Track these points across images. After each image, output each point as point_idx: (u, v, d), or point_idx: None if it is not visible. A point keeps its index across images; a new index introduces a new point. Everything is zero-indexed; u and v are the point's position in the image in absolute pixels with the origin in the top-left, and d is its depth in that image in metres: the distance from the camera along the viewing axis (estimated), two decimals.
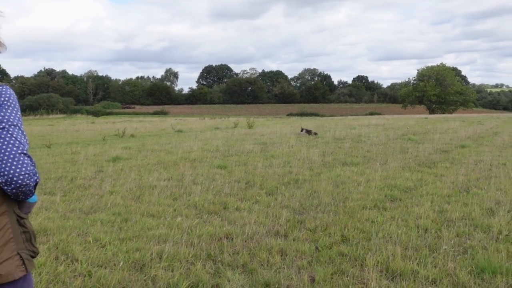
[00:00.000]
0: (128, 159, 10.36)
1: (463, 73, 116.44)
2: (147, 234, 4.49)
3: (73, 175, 8.03)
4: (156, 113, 78.61)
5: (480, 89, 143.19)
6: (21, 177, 1.56)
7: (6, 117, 1.59)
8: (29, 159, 1.60)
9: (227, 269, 3.67)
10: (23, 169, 1.56)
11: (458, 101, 79.76)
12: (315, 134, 16.50)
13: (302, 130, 17.09)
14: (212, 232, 4.53)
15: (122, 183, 7.25)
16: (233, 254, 4.00)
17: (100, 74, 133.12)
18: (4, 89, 1.64)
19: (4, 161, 1.55)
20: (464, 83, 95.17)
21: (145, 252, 3.96)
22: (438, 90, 78.45)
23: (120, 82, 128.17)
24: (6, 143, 1.56)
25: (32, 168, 1.60)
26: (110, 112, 77.84)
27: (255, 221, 4.95)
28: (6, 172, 1.54)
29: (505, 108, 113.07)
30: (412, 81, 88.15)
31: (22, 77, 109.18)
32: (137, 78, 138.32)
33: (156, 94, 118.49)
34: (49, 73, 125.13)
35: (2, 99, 1.62)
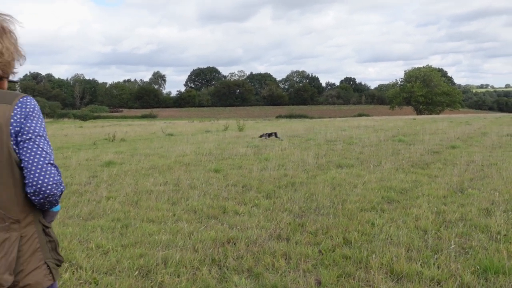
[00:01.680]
0: (121, 163, 10.30)
1: (449, 74, 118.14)
2: (149, 240, 4.47)
3: (67, 181, 7.95)
4: (144, 117, 78.29)
5: (465, 90, 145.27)
6: (49, 187, 1.57)
7: (32, 127, 1.61)
8: (55, 169, 1.62)
9: (232, 273, 3.67)
10: (51, 179, 1.58)
11: (444, 101, 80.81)
12: (277, 136, 16.45)
13: (262, 136, 16.84)
14: (215, 237, 4.54)
15: (118, 188, 7.21)
16: (237, 258, 4.01)
17: (87, 78, 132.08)
18: (28, 100, 1.65)
19: (33, 172, 1.56)
20: (450, 84, 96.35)
21: (149, 258, 3.94)
22: (425, 91, 79.40)
23: (108, 86, 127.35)
24: (33, 153, 1.57)
25: (58, 178, 1.62)
26: (97, 116, 77.29)
27: (256, 225, 4.96)
28: (34, 183, 1.56)
29: (491, 108, 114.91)
30: (399, 82, 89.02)
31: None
32: (125, 81, 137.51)
33: (144, 98, 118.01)
34: (35, 77, 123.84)
35: (28, 109, 1.63)
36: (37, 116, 1.64)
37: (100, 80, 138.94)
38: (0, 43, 1.63)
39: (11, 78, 1.76)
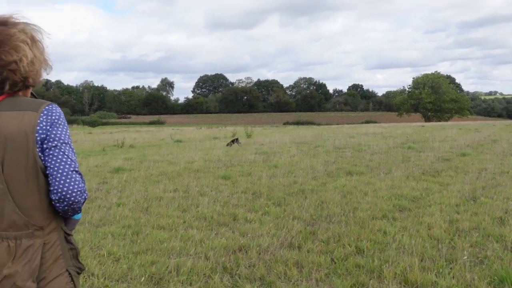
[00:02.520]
0: (130, 170, 10.32)
1: (457, 81, 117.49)
2: (160, 247, 4.46)
3: None
4: (152, 123, 78.69)
5: (474, 97, 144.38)
6: (73, 194, 1.58)
7: (58, 135, 1.62)
8: (80, 176, 1.62)
9: (245, 282, 3.65)
10: (76, 186, 1.58)
11: (453, 108, 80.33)
12: (238, 142, 17.16)
13: (230, 144, 17.19)
14: (226, 245, 4.52)
15: (128, 195, 7.22)
16: (249, 267, 3.98)
17: (96, 84, 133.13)
18: (54, 108, 1.67)
19: (58, 179, 1.57)
20: (458, 91, 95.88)
21: (161, 265, 3.93)
22: (433, 98, 79.01)
23: (116, 92, 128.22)
24: (59, 161, 1.58)
25: (83, 185, 1.62)
26: (106, 122, 77.89)
27: (267, 233, 4.93)
28: (59, 190, 1.56)
29: (500, 115, 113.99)
30: (407, 89, 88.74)
31: None
32: (133, 88, 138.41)
33: (152, 104, 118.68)
34: (44, 83, 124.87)
35: (54, 117, 1.64)
36: (62, 123, 1.66)
37: (109, 87, 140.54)
38: (31, 53, 1.65)
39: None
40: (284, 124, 73.73)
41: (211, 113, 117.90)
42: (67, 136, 1.65)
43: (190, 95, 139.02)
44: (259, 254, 4.28)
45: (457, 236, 4.75)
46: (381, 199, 6.63)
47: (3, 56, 1.58)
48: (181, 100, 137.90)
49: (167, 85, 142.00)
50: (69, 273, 1.67)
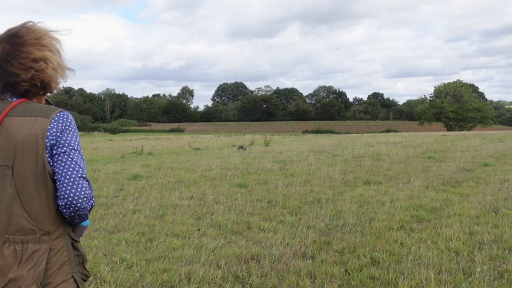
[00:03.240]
0: (148, 177, 10.40)
1: (480, 90, 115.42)
2: (173, 255, 4.45)
3: (95, 193, 8.06)
4: (172, 131, 79.40)
5: (498, 106, 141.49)
6: (80, 200, 1.58)
7: (68, 141, 1.63)
8: (87, 182, 1.63)
9: None
10: (82, 192, 1.59)
11: (476, 117, 78.76)
12: (244, 149, 18.93)
13: (239, 149, 19.01)
14: (239, 253, 4.48)
15: (144, 202, 7.25)
16: (261, 276, 3.93)
17: (118, 92, 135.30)
18: (65, 115, 1.69)
19: (65, 185, 1.58)
20: (481, 100, 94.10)
21: (173, 273, 3.91)
22: (456, 107, 77.67)
23: (137, 100, 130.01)
24: (67, 167, 1.60)
25: (90, 192, 1.63)
26: (127, 129, 78.92)
27: (281, 242, 4.88)
28: (66, 195, 1.57)
29: None
30: (428, 98, 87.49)
31: None
32: (153, 96, 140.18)
33: (172, 112, 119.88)
34: (67, 91, 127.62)
35: (65, 124, 1.66)
36: (73, 130, 1.67)
37: (130, 95, 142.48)
38: (55, 58, 1.71)
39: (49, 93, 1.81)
40: (303, 132, 73.49)
41: (230, 121, 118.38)
42: (76, 143, 1.66)
43: (210, 103, 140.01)
44: (272, 263, 4.23)
45: (477, 248, 4.61)
46: (398, 209, 6.50)
47: (32, 54, 1.62)
48: (201, 108, 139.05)
49: (187, 93, 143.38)
50: (75, 280, 1.67)
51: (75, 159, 1.62)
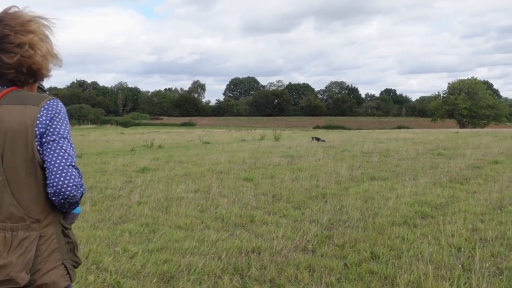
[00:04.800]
0: (156, 170, 10.49)
1: (495, 87, 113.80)
2: (175, 246, 4.50)
3: (102, 185, 8.17)
4: (183, 125, 79.65)
5: None
6: (69, 188, 1.59)
7: (57, 129, 1.64)
8: (76, 171, 1.64)
9: (254, 284, 3.64)
10: (71, 180, 1.60)
11: (490, 115, 77.67)
12: (323, 141, 20.05)
13: (313, 139, 20.65)
14: (240, 246, 4.52)
15: (150, 194, 7.33)
16: (260, 268, 3.97)
17: (130, 86, 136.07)
18: (55, 103, 1.69)
19: (54, 172, 1.59)
20: (496, 97, 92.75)
21: (173, 264, 3.97)
22: (469, 104, 76.67)
23: (149, 94, 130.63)
24: (56, 155, 1.60)
25: (79, 180, 1.63)
26: (138, 123, 79.37)
27: (282, 236, 4.91)
28: (55, 183, 1.58)
29: None
30: (442, 95, 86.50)
31: (55, 88, 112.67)
32: (165, 90, 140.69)
33: (184, 106, 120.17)
34: (81, 84, 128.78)
35: (54, 112, 1.66)
36: (62, 118, 1.67)
37: (144, 89, 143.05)
38: (44, 45, 1.69)
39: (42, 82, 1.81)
40: (314, 128, 73.19)
41: (241, 115, 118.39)
42: (66, 131, 1.66)
43: (222, 98, 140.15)
44: (272, 256, 4.27)
45: (479, 245, 4.59)
46: (403, 205, 6.48)
47: (16, 39, 1.61)
48: (213, 102, 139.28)
49: (198, 87, 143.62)
50: (65, 266, 1.69)
51: (64, 147, 1.62)
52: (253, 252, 4.39)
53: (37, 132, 1.61)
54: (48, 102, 1.66)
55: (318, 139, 20.62)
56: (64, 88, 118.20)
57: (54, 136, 1.62)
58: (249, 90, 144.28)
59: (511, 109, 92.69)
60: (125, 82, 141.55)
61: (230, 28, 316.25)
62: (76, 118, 73.26)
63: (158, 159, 12.84)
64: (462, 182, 8.62)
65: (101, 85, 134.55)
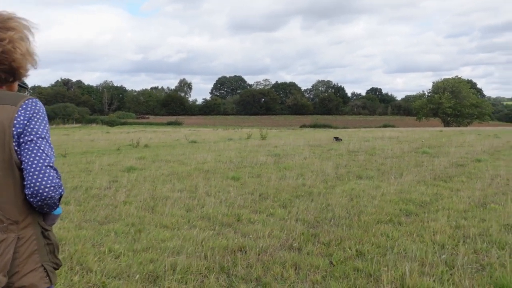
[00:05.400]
0: (142, 169, 10.43)
1: (479, 86, 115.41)
2: (161, 246, 4.49)
3: (88, 185, 8.10)
4: (170, 124, 79.19)
5: (496, 102, 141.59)
6: (46, 189, 1.56)
7: (35, 129, 1.61)
8: (55, 171, 1.61)
9: (240, 282, 3.64)
10: (49, 181, 1.57)
11: (474, 114, 78.81)
12: (340, 139, 20.06)
13: (335, 139, 20.15)
14: (226, 245, 4.52)
15: (136, 194, 7.29)
16: (246, 267, 3.98)
17: (116, 85, 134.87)
18: (33, 102, 1.66)
19: (31, 173, 1.56)
20: (479, 96, 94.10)
21: (159, 264, 3.95)
22: (453, 103, 77.68)
23: (135, 93, 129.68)
24: (33, 155, 1.57)
25: (57, 181, 1.60)
26: (124, 122, 78.69)
27: (268, 234, 4.92)
28: (32, 184, 1.55)
29: None
30: (426, 94, 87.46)
31: (39, 87, 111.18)
32: (152, 88, 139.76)
33: (170, 105, 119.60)
34: (65, 83, 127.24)
35: (32, 111, 1.63)
36: (41, 118, 1.64)
37: (130, 87, 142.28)
38: (23, 44, 1.67)
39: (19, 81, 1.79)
40: (301, 127, 73.45)
41: (228, 114, 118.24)
42: (45, 131, 1.63)
43: (208, 97, 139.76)
44: (258, 255, 4.27)
45: (462, 242, 4.66)
46: (388, 203, 6.55)
47: None
48: (199, 101, 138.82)
49: (185, 86, 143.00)
50: (45, 268, 1.66)
51: (42, 148, 1.59)
52: (240, 250, 4.40)
53: (15, 132, 1.58)
54: (26, 101, 1.63)
55: (337, 139, 20.45)
56: (49, 86, 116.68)
57: (32, 136, 1.59)
58: (236, 89, 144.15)
59: (494, 107, 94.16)
60: (111, 81, 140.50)
61: (217, 27, 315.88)
62: (61, 117, 72.30)
63: (144, 159, 12.76)
64: (446, 180, 8.74)
65: (86, 83, 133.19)
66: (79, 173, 9.85)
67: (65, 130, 46.56)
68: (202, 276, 3.77)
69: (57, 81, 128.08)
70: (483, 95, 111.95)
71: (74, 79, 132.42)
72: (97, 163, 11.50)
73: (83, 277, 3.67)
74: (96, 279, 3.63)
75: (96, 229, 5.14)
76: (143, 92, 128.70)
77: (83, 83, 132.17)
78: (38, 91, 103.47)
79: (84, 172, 9.96)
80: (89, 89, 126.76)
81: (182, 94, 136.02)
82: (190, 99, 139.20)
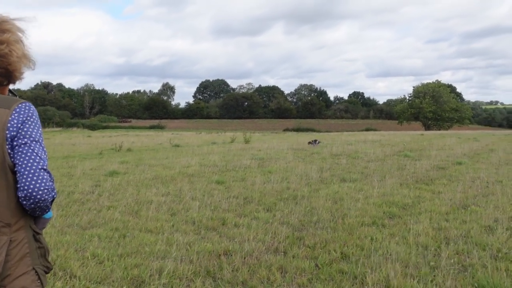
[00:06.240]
0: (125, 173, 10.33)
1: (458, 90, 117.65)
2: (145, 250, 4.45)
3: (70, 190, 7.98)
4: (152, 127, 78.65)
5: (475, 106, 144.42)
6: (40, 192, 1.57)
7: (29, 133, 1.62)
8: (48, 174, 1.62)
9: (226, 286, 3.64)
10: (43, 184, 1.58)
11: (454, 117, 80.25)
12: (319, 142, 19.61)
13: (311, 142, 19.48)
14: (211, 249, 4.51)
15: (119, 198, 7.21)
16: (232, 271, 3.97)
17: (97, 88, 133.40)
18: (27, 106, 1.68)
19: (25, 176, 1.56)
20: (459, 100, 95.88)
21: (144, 268, 3.92)
22: (434, 107, 78.98)
23: (117, 96, 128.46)
24: (27, 158, 1.58)
25: (51, 184, 1.61)
26: (106, 126, 77.83)
27: (254, 238, 4.93)
28: (26, 187, 1.56)
29: (500, 125, 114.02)
30: (407, 98, 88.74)
31: (18, 90, 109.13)
32: (134, 92, 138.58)
33: (153, 108, 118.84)
34: (46, 86, 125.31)
35: (26, 115, 1.65)
36: (34, 121, 1.66)
37: (112, 91, 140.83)
38: (18, 46, 1.68)
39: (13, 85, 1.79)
40: (284, 130, 73.75)
41: (211, 118, 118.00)
42: (38, 134, 1.65)
43: (192, 100, 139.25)
44: (244, 258, 4.28)
45: (444, 243, 4.74)
46: (372, 206, 6.62)
47: None
48: (182, 105, 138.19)
49: (168, 89, 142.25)
50: (36, 272, 1.67)
51: (35, 151, 1.60)
52: (225, 254, 4.39)
53: (8, 136, 1.59)
54: (20, 105, 1.65)
55: (315, 142, 19.60)
56: (28, 90, 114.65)
57: (25, 139, 1.60)
58: (219, 93, 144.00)
59: (474, 111, 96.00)
60: (92, 84, 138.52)
61: (201, 31, 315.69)
62: (41, 121, 70.94)
63: (127, 163, 12.64)
64: (428, 182, 8.87)
65: (67, 87, 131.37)
66: (60, 177, 9.70)
67: (45, 134, 45.74)
68: (188, 280, 3.75)
69: (37, 84, 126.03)
70: (463, 99, 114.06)
71: (54, 82, 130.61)
72: (79, 167, 11.35)
73: (66, 282, 3.62)
74: (80, 284, 3.58)
75: (79, 234, 5.07)
76: (125, 96, 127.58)
77: (64, 86, 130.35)
78: (17, 94, 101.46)
79: (66, 177, 9.82)
80: (70, 93, 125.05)
81: (165, 98, 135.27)
82: (173, 102, 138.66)
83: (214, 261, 4.17)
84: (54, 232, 5.13)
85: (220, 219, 5.81)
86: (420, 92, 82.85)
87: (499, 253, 4.38)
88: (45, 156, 1.64)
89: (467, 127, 77.98)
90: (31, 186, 1.56)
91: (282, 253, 4.47)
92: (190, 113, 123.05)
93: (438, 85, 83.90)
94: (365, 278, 3.75)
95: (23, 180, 1.56)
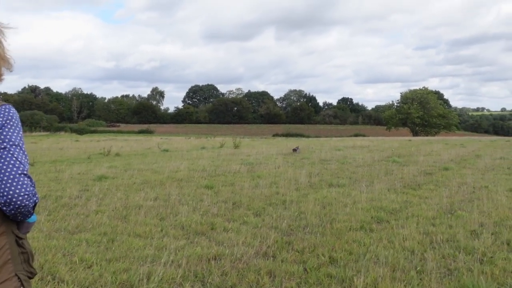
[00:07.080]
0: (113, 178, 10.27)
1: (445, 97, 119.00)
2: (134, 255, 4.44)
3: (57, 194, 7.92)
4: (141, 132, 78.22)
5: (461, 113, 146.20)
6: (20, 197, 1.54)
7: (8, 136, 1.59)
8: (29, 179, 1.58)
9: None
10: (23, 189, 1.55)
11: (441, 124, 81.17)
12: (297, 148, 19.17)
13: (295, 149, 18.96)
14: (200, 253, 4.51)
15: (108, 203, 7.18)
16: (221, 275, 3.98)
17: (86, 92, 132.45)
18: (7, 109, 1.64)
19: (4, 181, 1.53)
20: (446, 107, 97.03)
21: (133, 273, 3.91)
22: (422, 113, 79.82)
23: (106, 100, 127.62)
24: (6, 163, 1.55)
25: (31, 189, 1.58)
26: (94, 130, 77.18)
27: (243, 242, 4.94)
28: (5, 193, 1.53)
29: (486, 131, 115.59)
30: (395, 104, 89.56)
31: (5, 94, 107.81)
32: (123, 96, 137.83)
33: (142, 113, 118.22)
34: (33, 90, 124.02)
35: (5, 118, 1.61)
36: (14, 125, 1.62)
37: (102, 95, 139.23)
38: None
39: None
40: (274, 136, 73.83)
41: (201, 123, 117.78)
42: (18, 138, 1.61)
43: (181, 105, 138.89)
44: (233, 263, 4.29)
45: (430, 248, 4.80)
46: (360, 210, 6.68)
47: None
48: (172, 109, 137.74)
49: (157, 94, 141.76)
50: (19, 278, 1.63)
51: (15, 155, 1.57)
52: (214, 259, 4.40)
53: None
54: None
55: (297, 149, 19.11)
56: (15, 93, 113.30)
57: (5, 144, 1.56)
58: (209, 98, 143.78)
59: (460, 118, 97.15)
60: (80, 88, 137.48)
61: (191, 35, 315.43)
62: (28, 125, 70.24)
63: (116, 167, 12.57)
64: (415, 188, 8.97)
65: (55, 91, 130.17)
66: (48, 182, 9.62)
67: (32, 138, 45.26)
68: (177, 284, 3.75)
69: (24, 87, 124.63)
70: (450, 106, 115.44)
71: (42, 86, 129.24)
72: (67, 172, 11.27)
73: (55, 287, 3.60)
74: None
75: (67, 239, 5.04)
76: (114, 100, 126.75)
77: (52, 90, 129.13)
78: (4, 98, 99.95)
79: (54, 181, 9.73)
80: (57, 97, 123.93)
81: (154, 103, 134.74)
82: (162, 107, 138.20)
83: (203, 266, 4.18)
84: (42, 237, 5.09)
85: (209, 224, 5.81)
86: (408, 98, 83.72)
87: (484, 257, 4.45)
88: (25, 160, 1.60)
89: (454, 133, 78.90)
90: (11, 192, 1.52)
91: (271, 258, 4.49)
92: (179, 118, 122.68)
93: (425, 91, 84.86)
94: (354, 282, 3.79)
95: (3, 186, 1.52)
